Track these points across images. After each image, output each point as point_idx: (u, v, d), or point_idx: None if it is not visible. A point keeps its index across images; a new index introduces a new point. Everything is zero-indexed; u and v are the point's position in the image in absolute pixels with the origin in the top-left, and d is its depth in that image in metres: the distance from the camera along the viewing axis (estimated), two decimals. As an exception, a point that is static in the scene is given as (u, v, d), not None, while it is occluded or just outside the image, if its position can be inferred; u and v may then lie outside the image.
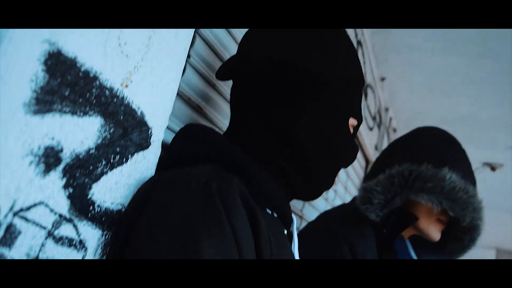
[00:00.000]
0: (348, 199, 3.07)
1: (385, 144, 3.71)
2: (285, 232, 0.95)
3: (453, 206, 1.45)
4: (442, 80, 3.05)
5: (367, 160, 3.48)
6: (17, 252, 0.61)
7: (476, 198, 1.47)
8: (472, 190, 1.46)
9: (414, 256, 1.64)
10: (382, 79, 3.14)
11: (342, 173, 2.89)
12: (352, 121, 1.00)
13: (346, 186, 3.00)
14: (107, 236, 0.77)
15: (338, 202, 2.84)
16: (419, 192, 1.45)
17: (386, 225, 1.52)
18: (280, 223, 0.93)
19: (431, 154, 1.49)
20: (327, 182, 1.00)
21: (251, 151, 0.92)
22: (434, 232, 1.55)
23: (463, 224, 1.51)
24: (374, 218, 1.49)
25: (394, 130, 4.04)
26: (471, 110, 3.32)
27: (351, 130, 1.01)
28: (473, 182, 1.51)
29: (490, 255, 8.30)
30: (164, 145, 0.90)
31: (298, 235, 1.63)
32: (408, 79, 3.15)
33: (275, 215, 0.92)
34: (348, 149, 1.00)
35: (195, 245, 0.67)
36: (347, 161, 1.02)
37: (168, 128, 0.99)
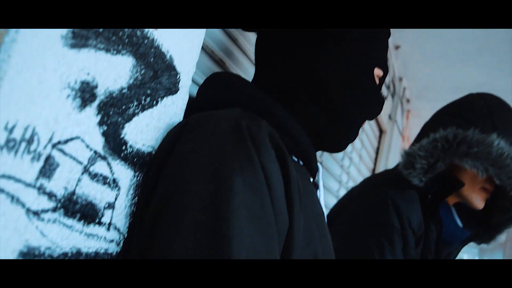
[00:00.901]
0: (362, 167, 3.07)
1: (398, 114, 3.69)
2: (311, 180, 0.96)
3: (500, 174, 1.41)
4: (457, 49, 3.02)
5: (381, 130, 3.47)
6: (55, 184, 0.62)
7: None
8: None
9: (459, 223, 1.61)
10: (397, 47, 3.11)
11: (357, 142, 2.89)
12: (378, 72, 1.00)
13: (360, 154, 3.00)
14: (138, 178, 0.78)
15: (352, 170, 2.84)
16: (463, 157, 1.41)
17: (431, 190, 1.50)
18: (306, 170, 0.94)
19: (480, 119, 1.45)
20: (353, 133, 1.00)
21: (279, 101, 0.92)
22: (478, 200, 1.52)
23: (510, 193, 1.46)
24: (418, 183, 1.47)
25: (408, 101, 4.02)
26: (486, 79, 3.28)
27: (377, 81, 1.01)
28: None
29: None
30: (190, 97, 0.90)
31: (341, 200, 1.65)
32: (422, 47, 3.11)
33: (301, 163, 0.93)
34: (374, 99, 1.00)
35: (227, 181, 0.68)
36: (373, 112, 1.02)
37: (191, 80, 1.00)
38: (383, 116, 3.28)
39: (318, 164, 0.98)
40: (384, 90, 3.12)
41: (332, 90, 0.92)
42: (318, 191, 1.00)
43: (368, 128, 3.07)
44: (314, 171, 0.96)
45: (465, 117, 1.48)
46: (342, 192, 2.63)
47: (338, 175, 2.57)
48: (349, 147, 2.73)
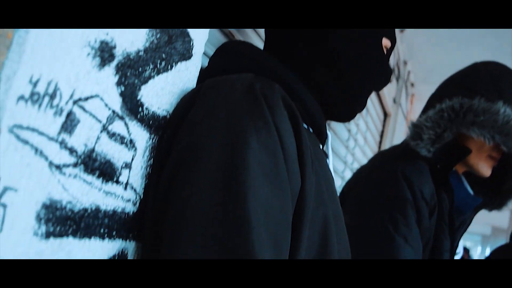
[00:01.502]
0: (367, 149, 3.09)
1: (403, 98, 3.70)
2: (320, 147, 0.98)
3: (507, 141, 1.42)
4: (462, 32, 3.02)
5: (385, 113, 3.48)
6: (76, 140, 0.64)
7: None
8: None
9: (470, 191, 1.63)
10: (401, 30, 3.12)
11: (362, 124, 2.90)
12: (386, 42, 1.01)
13: (365, 137, 3.02)
14: (154, 140, 0.80)
15: (357, 152, 2.86)
16: (470, 126, 1.43)
17: (439, 160, 1.51)
18: (316, 137, 0.95)
19: (485, 87, 1.47)
20: (361, 102, 1.02)
21: (289, 68, 0.94)
22: (484, 168, 1.54)
23: None
24: (426, 154, 1.48)
25: (412, 85, 4.03)
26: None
27: (384, 52, 1.02)
28: None
29: (504, 216, 8.32)
30: (201, 67, 0.92)
31: (350, 181, 1.67)
32: (427, 30, 3.11)
33: (311, 130, 0.94)
34: (382, 69, 1.01)
35: (242, 141, 0.69)
36: (382, 81, 1.03)
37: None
38: (388, 99, 3.29)
39: (328, 132, 1.00)
40: (389, 73, 3.13)
41: (342, 58, 0.94)
42: (327, 159, 1.02)
43: (373, 110, 3.08)
44: (323, 139, 0.98)
45: (470, 86, 1.49)
46: (347, 173, 2.65)
47: (343, 156, 2.59)
48: (354, 129, 2.74)
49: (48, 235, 0.61)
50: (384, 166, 1.51)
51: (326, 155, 1.02)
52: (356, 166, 2.81)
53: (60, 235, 0.63)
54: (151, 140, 0.79)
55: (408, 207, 1.37)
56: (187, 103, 0.80)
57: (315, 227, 0.81)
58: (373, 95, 3.01)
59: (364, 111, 2.88)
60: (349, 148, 2.67)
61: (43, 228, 0.60)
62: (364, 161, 2.96)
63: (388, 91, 3.23)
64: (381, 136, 3.48)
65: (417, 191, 1.39)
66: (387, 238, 1.33)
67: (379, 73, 1.01)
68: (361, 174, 1.64)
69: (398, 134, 3.62)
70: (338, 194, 1.59)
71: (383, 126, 3.50)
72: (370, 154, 3.19)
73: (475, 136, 1.43)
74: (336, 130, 2.33)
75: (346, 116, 1.02)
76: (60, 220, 0.63)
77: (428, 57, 3.55)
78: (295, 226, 0.75)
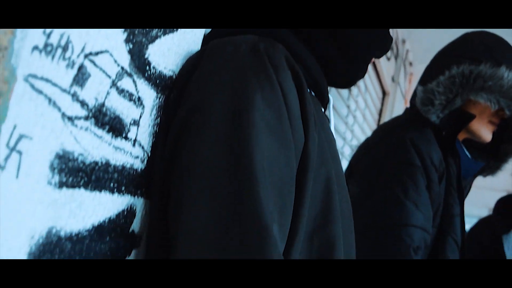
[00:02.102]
0: (365, 127, 3.11)
1: (401, 77, 3.72)
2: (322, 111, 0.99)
3: (511, 105, 1.47)
4: (461, 10, 3.02)
5: (384, 92, 3.50)
6: (87, 94, 0.65)
7: None
8: None
9: (470, 157, 1.66)
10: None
11: (360, 101, 2.92)
12: (386, 8, 1.02)
13: (364, 114, 3.04)
14: (161, 99, 0.81)
15: (356, 128, 2.88)
16: (479, 91, 1.46)
17: (444, 126, 1.54)
18: (318, 101, 0.97)
19: (487, 54, 1.50)
20: (361, 69, 1.03)
21: (292, 32, 0.95)
22: (486, 133, 1.57)
23: None
24: (435, 120, 1.51)
25: (410, 64, 4.04)
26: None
27: (385, 18, 1.04)
28: None
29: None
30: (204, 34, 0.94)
31: (356, 153, 1.69)
32: (426, 9, 3.11)
33: (313, 94, 0.96)
34: (383, 35, 1.03)
35: (246, 97, 0.71)
36: (382, 48, 1.05)
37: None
38: (386, 78, 3.30)
39: (329, 96, 1.02)
40: (387, 52, 3.14)
41: None
42: (329, 123, 1.03)
43: (372, 88, 3.10)
44: (325, 103, 1.00)
45: (472, 52, 1.51)
46: (346, 149, 2.68)
47: (342, 132, 2.61)
48: (353, 105, 2.76)
49: (61, 185, 0.63)
50: (388, 135, 1.54)
51: (328, 119, 1.04)
52: (355, 143, 2.84)
53: (73, 186, 0.65)
54: (158, 99, 0.81)
55: (417, 173, 1.40)
56: (192, 64, 0.82)
57: (318, 185, 0.83)
58: (371, 73, 3.03)
59: (362, 88, 2.90)
60: (348, 125, 2.70)
61: (57, 178, 0.62)
62: (363, 138, 2.98)
63: (387, 69, 3.24)
64: (380, 114, 3.50)
65: (426, 157, 1.43)
66: (397, 204, 1.35)
67: (380, 39, 1.02)
68: (367, 146, 1.67)
69: (396, 113, 3.63)
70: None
71: (382, 104, 3.52)
72: (369, 132, 3.22)
73: (483, 101, 1.47)
74: (335, 106, 2.35)
75: (347, 82, 1.04)
76: (72, 171, 0.65)
77: (426, 37, 3.55)
78: (299, 183, 0.77)
